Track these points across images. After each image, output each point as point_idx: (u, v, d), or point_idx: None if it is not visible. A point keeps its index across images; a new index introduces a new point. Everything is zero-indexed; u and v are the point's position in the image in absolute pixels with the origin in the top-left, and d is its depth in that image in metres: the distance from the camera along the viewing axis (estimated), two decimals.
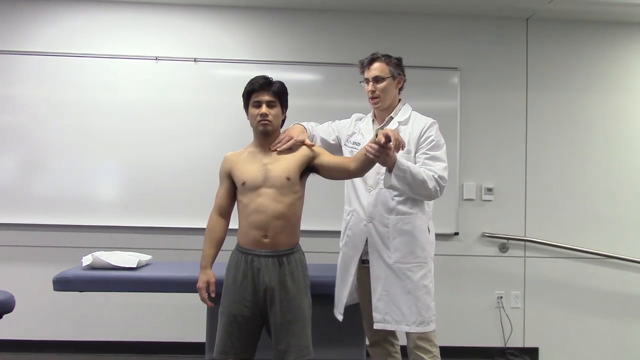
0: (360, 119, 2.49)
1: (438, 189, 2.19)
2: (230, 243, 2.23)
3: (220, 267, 2.19)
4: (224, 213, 2.23)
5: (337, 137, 2.48)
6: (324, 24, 3.82)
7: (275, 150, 2.19)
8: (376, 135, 2.01)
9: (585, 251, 3.78)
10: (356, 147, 2.36)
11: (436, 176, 2.18)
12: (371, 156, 2.03)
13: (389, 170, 2.10)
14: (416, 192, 2.17)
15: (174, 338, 3.67)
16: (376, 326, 2.27)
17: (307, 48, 3.80)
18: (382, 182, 2.26)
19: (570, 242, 3.79)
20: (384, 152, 2.00)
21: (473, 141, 3.83)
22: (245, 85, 2.20)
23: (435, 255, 2.38)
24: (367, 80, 2.34)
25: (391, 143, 1.97)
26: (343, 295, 2.35)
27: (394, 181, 2.11)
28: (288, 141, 2.21)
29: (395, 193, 2.25)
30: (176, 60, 3.71)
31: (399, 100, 2.41)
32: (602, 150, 3.88)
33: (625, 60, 3.93)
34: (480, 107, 3.85)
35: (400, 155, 2.13)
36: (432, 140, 2.27)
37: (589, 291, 3.84)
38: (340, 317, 2.36)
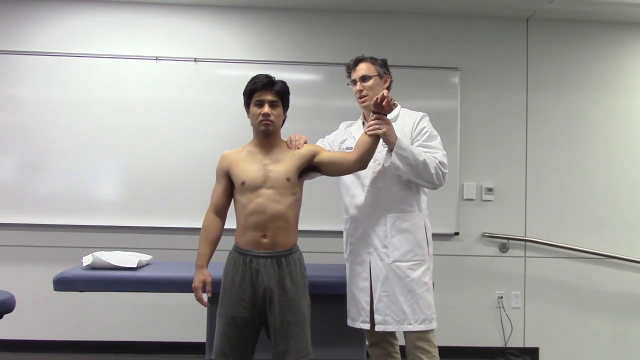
0: (350, 125, 2.52)
1: (440, 174, 2.21)
2: (224, 242, 2.22)
3: (215, 267, 2.18)
4: (220, 212, 2.21)
5: (330, 149, 2.48)
6: (324, 24, 3.82)
7: (298, 148, 2.21)
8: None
9: (585, 251, 3.78)
10: (349, 151, 2.38)
11: (437, 162, 2.21)
12: (372, 131, 2.11)
13: (390, 150, 2.14)
14: (418, 174, 2.18)
15: (174, 338, 3.67)
16: (377, 328, 2.26)
17: (307, 48, 3.80)
18: (379, 181, 2.28)
19: (570, 242, 3.79)
20: (383, 119, 2.11)
21: (473, 141, 3.83)
22: (245, 84, 2.18)
23: (435, 255, 2.39)
24: (354, 82, 2.37)
25: (385, 101, 2.06)
26: (366, 302, 2.30)
27: (395, 159, 2.13)
28: (301, 137, 2.25)
29: (395, 189, 2.27)
30: (176, 60, 3.71)
31: None
32: (602, 150, 3.88)
33: (625, 60, 3.93)
34: (480, 107, 3.85)
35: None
36: (426, 132, 2.29)
37: (589, 291, 3.84)
38: (367, 326, 2.30)
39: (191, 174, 3.62)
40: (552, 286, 3.83)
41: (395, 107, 2.18)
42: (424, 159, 2.16)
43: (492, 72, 3.86)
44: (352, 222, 2.38)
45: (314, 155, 2.21)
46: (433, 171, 2.18)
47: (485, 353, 3.80)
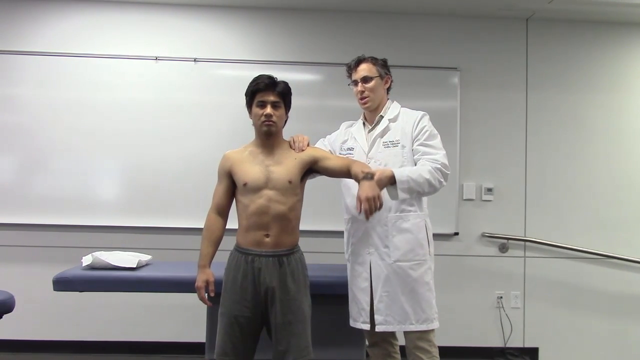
0: (351, 125, 2.52)
1: (442, 180, 2.22)
2: (224, 243, 2.22)
3: (215, 267, 2.18)
4: (222, 212, 2.22)
5: (331, 150, 2.49)
6: (324, 24, 3.82)
7: (302, 150, 2.21)
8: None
9: (585, 251, 3.78)
10: (350, 152, 2.40)
11: (437, 166, 2.20)
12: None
13: (391, 183, 2.14)
14: (423, 192, 2.21)
15: (174, 338, 3.67)
16: (378, 329, 2.26)
17: (307, 48, 3.80)
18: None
19: (570, 242, 3.79)
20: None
21: (473, 141, 3.83)
22: (246, 84, 2.19)
23: (435, 255, 2.38)
24: (355, 82, 2.37)
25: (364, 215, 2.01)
26: (366, 302, 2.30)
27: (401, 194, 2.15)
28: (304, 138, 2.26)
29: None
30: (176, 60, 3.71)
31: (387, 99, 2.43)
32: (602, 150, 3.88)
33: (625, 60, 3.93)
34: (480, 107, 3.85)
35: (394, 154, 2.25)
36: (427, 131, 2.29)
37: (589, 291, 3.84)
38: (367, 327, 2.30)
39: (191, 174, 3.62)
40: (552, 286, 3.83)
41: (381, 207, 2.05)
42: (424, 180, 2.16)
43: (492, 72, 3.87)
44: (353, 222, 2.38)
45: (315, 162, 2.22)
46: (435, 183, 2.19)
47: (485, 353, 3.80)
